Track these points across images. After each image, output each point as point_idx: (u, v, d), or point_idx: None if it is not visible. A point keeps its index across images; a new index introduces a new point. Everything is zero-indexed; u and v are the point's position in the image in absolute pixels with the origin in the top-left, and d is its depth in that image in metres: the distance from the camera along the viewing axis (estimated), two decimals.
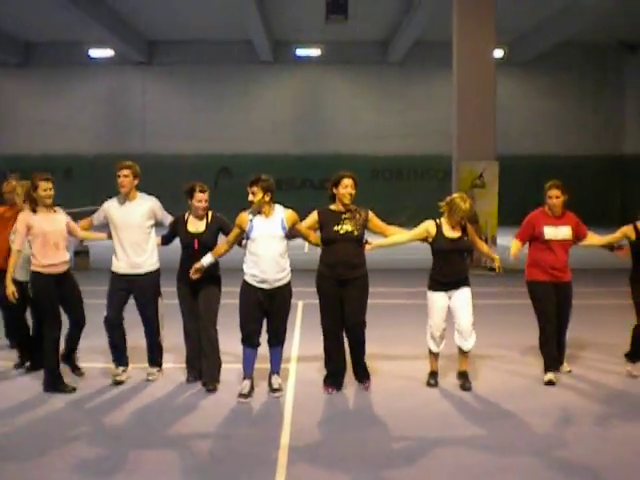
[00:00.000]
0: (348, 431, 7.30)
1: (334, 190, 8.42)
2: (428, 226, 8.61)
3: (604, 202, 35.06)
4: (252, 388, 8.48)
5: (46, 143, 36.31)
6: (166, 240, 9.03)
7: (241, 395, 8.31)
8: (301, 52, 35.10)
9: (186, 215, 8.77)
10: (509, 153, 31.34)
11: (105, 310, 8.73)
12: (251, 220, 8.20)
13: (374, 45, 34.92)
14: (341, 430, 7.35)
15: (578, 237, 9.10)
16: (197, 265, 8.37)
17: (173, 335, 9.80)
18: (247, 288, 8.26)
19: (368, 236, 8.55)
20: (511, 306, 13.30)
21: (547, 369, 8.95)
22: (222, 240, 8.57)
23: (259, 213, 8.22)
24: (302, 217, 8.65)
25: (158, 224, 8.93)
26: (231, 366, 9.27)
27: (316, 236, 8.56)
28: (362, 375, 8.70)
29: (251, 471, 6.30)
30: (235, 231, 8.36)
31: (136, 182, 8.70)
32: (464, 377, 8.77)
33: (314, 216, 8.52)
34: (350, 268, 8.27)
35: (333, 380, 8.58)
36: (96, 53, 35.56)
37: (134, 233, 8.63)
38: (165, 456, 6.63)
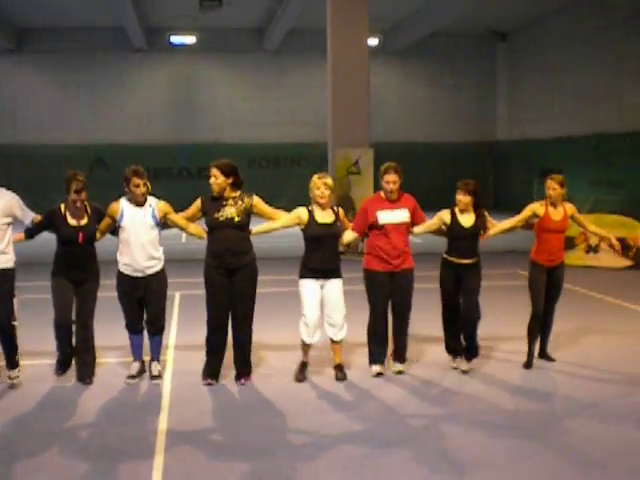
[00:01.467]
0: (227, 422, 7.30)
1: None
2: (300, 212, 8.48)
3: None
4: (142, 370, 8.64)
5: None
6: (30, 234, 8.54)
7: (130, 376, 8.55)
8: (175, 39, 34.61)
9: (62, 208, 8.35)
10: (385, 140, 31.66)
11: None
12: (121, 210, 8.27)
13: (249, 33, 34.75)
14: (220, 421, 7.34)
15: (414, 221, 8.69)
16: None
17: (41, 329, 9.54)
18: (122, 277, 8.41)
19: (256, 221, 8.47)
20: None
21: (372, 362, 8.79)
22: None
23: (137, 203, 8.30)
24: (178, 206, 8.59)
25: (17, 221, 8.40)
26: (105, 360, 9.20)
27: (195, 226, 8.54)
28: (242, 371, 8.50)
29: (128, 464, 6.23)
30: (106, 220, 8.44)
31: None
32: (338, 368, 8.69)
33: (197, 203, 8.44)
34: (235, 255, 8.20)
35: (213, 371, 8.50)
36: None
37: None
38: (39, 455, 6.47)
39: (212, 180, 8.26)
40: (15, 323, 8.35)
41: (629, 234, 16.71)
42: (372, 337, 8.77)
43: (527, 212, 8.98)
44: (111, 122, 34.71)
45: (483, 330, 9.01)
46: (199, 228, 8.55)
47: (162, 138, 34.64)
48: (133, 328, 8.55)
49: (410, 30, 32.65)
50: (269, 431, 7.02)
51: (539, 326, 9.01)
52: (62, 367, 8.58)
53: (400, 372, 8.74)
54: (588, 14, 28.56)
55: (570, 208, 9.00)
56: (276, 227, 8.60)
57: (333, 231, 8.46)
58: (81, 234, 8.25)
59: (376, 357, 8.77)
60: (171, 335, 10.51)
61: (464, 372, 8.76)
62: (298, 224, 8.49)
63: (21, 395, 8.10)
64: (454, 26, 31.89)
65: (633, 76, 25.98)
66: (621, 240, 16.68)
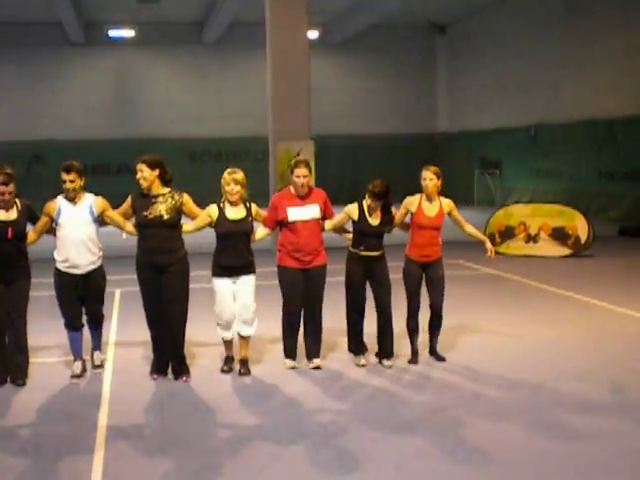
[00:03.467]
0: (169, 418, 7.25)
1: None
2: (209, 210, 8.36)
3: (417, 179, 35.98)
4: (84, 369, 8.55)
5: None
6: None
7: (73, 376, 8.42)
8: (114, 33, 34.28)
9: None
10: (326, 133, 31.70)
11: None
12: (58, 208, 8.15)
13: (189, 26, 34.51)
14: (158, 417, 7.30)
15: (325, 216, 8.67)
16: None
17: None
18: (60, 275, 8.27)
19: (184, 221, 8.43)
20: None
21: (286, 355, 8.78)
22: (30, 229, 8.32)
23: (72, 199, 8.17)
24: (118, 203, 8.52)
25: None
26: (42, 360, 9.06)
27: (131, 225, 8.43)
28: (180, 369, 8.42)
29: (68, 462, 6.18)
30: (43, 219, 8.30)
31: None
32: (242, 363, 8.59)
33: (128, 200, 8.36)
34: (163, 253, 8.12)
35: (158, 366, 8.46)
36: None
37: None
38: None
39: (139, 175, 8.15)
40: None
41: (567, 223, 17.03)
42: (286, 332, 8.74)
43: (402, 209, 8.88)
44: (49, 118, 34.21)
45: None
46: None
47: (101, 133, 34.26)
48: (72, 326, 8.42)
49: (350, 22, 32.70)
50: (211, 428, 7.02)
51: (417, 323, 8.84)
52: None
53: (317, 367, 8.68)
54: (526, 6, 28.91)
55: (448, 205, 8.81)
56: (190, 230, 8.47)
57: (243, 227, 8.33)
58: (10, 229, 8.01)
59: (290, 351, 8.76)
60: (111, 332, 10.35)
61: (388, 368, 8.66)
62: (209, 223, 8.37)
63: None
64: (394, 18, 31.99)
65: (570, 67, 26.36)
66: (559, 229, 17.09)
